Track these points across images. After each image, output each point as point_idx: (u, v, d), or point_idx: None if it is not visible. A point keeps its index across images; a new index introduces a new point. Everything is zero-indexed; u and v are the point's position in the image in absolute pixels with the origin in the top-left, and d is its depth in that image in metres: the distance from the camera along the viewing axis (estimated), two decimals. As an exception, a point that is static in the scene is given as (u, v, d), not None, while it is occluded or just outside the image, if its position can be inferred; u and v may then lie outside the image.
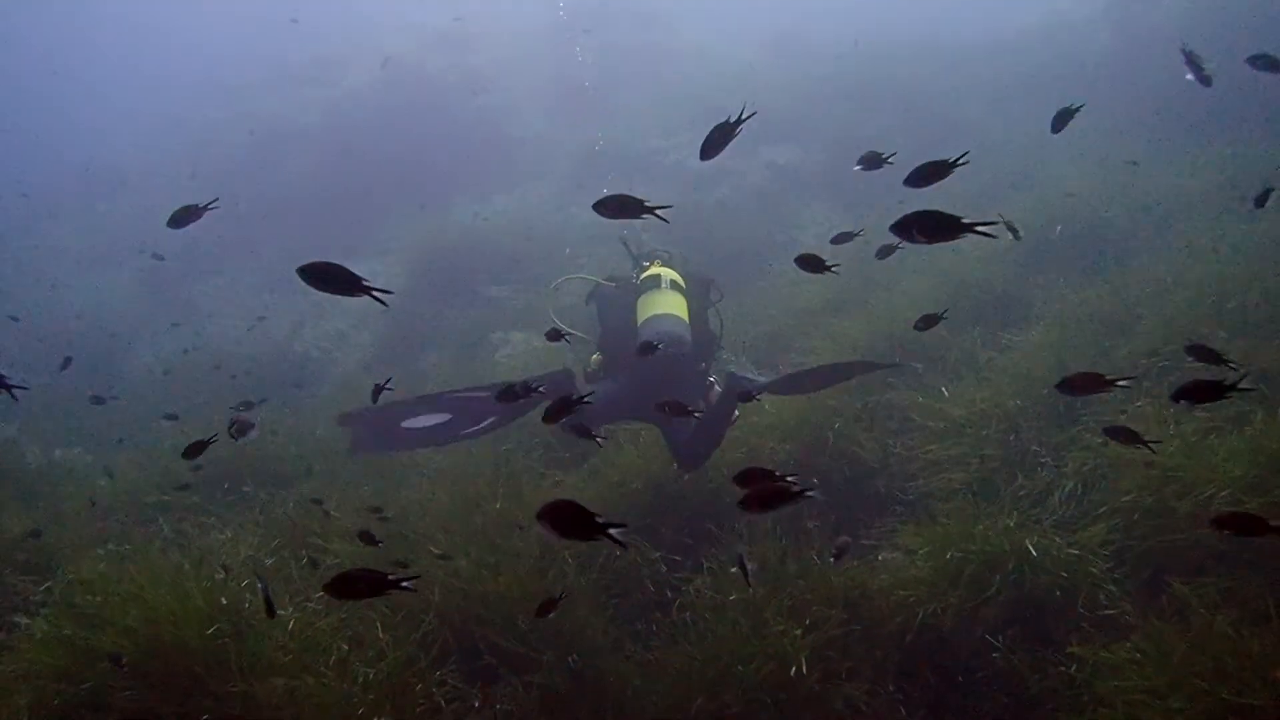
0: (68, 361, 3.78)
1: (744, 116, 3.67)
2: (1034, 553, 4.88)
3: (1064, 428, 6.24)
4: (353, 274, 2.97)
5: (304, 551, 5.60)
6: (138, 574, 4.45)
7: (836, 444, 6.92)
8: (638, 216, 3.86)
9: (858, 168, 5.50)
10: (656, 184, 16.65)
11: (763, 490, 3.60)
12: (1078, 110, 5.13)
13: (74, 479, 8.66)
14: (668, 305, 6.33)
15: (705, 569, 5.86)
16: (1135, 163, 9.76)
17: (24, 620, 4.61)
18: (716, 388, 6.63)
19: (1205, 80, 5.33)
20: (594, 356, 6.69)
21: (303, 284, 2.98)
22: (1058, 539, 5.09)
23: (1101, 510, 5.32)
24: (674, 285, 6.52)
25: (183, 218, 4.31)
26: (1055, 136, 10.06)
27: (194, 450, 4.58)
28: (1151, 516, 5.06)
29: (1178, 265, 7.74)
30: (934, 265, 9.76)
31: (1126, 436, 4.31)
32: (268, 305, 17.56)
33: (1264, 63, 5.42)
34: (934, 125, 16.24)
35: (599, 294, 7.05)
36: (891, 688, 4.84)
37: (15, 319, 14.97)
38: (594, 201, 4.00)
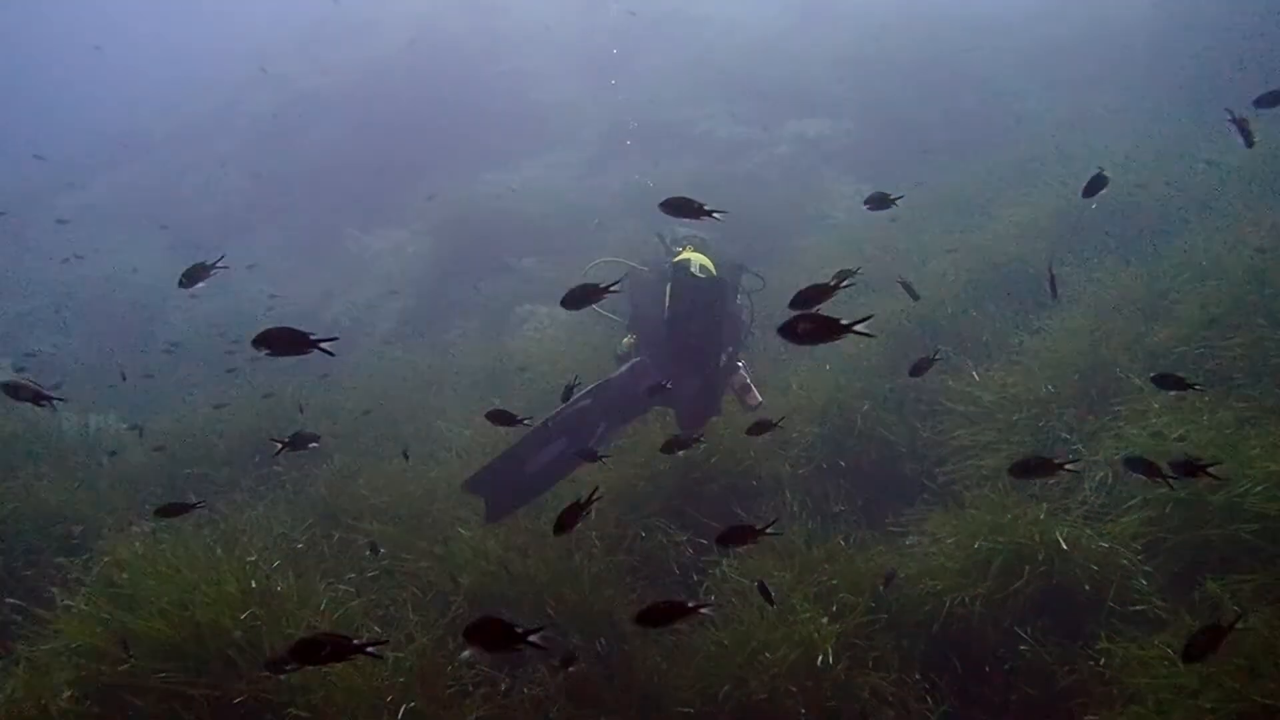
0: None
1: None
2: (1064, 545, 4.85)
3: (1096, 415, 6.17)
4: (302, 334, 3.20)
5: (336, 531, 5.66)
6: (172, 555, 4.51)
7: (864, 427, 6.90)
8: (697, 217, 4.03)
9: (866, 207, 5.58)
10: (684, 153, 16.53)
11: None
12: (1106, 183, 5.15)
13: (108, 449, 8.76)
14: (699, 259, 6.54)
15: (731, 553, 5.90)
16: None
17: (63, 598, 4.70)
18: (742, 372, 6.68)
19: (1249, 142, 5.36)
20: (626, 340, 6.74)
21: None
22: (1088, 530, 5.05)
23: (1133, 501, 5.26)
24: (703, 270, 6.56)
25: (195, 275, 4.39)
26: (1094, 111, 9.83)
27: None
28: (1184, 509, 5.00)
29: (1216, 248, 7.59)
30: (966, 242, 9.65)
31: (1148, 469, 4.30)
32: (295, 271, 17.66)
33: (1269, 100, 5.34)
34: (968, 94, 15.99)
35: (632, 278, 7.06)
36: (918, 677, 4.84)
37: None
38: (660, 201, 4.21)
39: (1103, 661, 4.49)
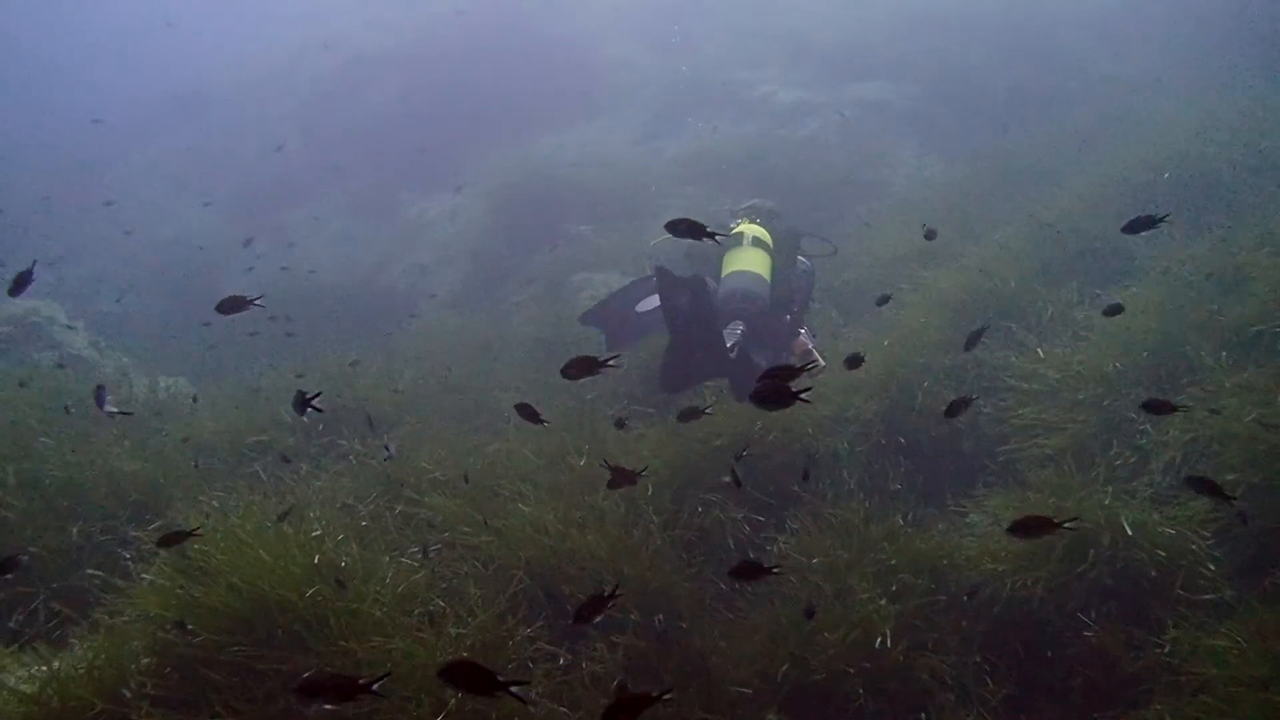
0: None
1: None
2: (1129, 531, 4.77)
3: (1167, 394, 6.02)
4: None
5: (398, 504, 5.76)
6: (240, 529, 4.63)
7: (924, 403, 6.82)
8: (699, 239, 4.11)
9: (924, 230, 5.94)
10: (742, 117, 16.35)
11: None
12: (1161, 220, 4.93)
13: (177, 414, 8.98)
14: (745, 262, 6.57)
15: (789, 529, 5.91)
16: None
17: (139, 569, 4.86)
18: (802, 336, 6.67)
19: None
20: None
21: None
22: (1155, 515, 4.96)
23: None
24: (756, 242, 6.68)
25: (231, 307, 4.49)
26: (1170, 81, 9.51)
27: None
28: (1258, 494, 4.89)
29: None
30: (1031, 212, 9.43)
31: (1210, 488, 4.24)
32: (354, 235, 17.86)
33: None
34: (1034, 58, 15.53)
35: (691, 253, 7.07)
36: (978, 659, 4.82)
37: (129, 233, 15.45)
38: (666, 222, 4.22)
39: (1169, 649, 4.43)
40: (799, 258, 7.06)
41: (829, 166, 13.58)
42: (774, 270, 6.63)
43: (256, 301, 4.49)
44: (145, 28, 30.95)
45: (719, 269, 6.83)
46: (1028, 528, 3.90)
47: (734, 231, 6.76)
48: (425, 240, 16.19)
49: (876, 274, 9.67)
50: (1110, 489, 5.24)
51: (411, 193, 17.90)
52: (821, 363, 6.72)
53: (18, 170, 22.40)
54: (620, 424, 5.83)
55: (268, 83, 23.82)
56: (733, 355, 6.35)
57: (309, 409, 4.31)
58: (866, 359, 7.02)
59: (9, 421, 7.30)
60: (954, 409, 5.50)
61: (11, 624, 4.96)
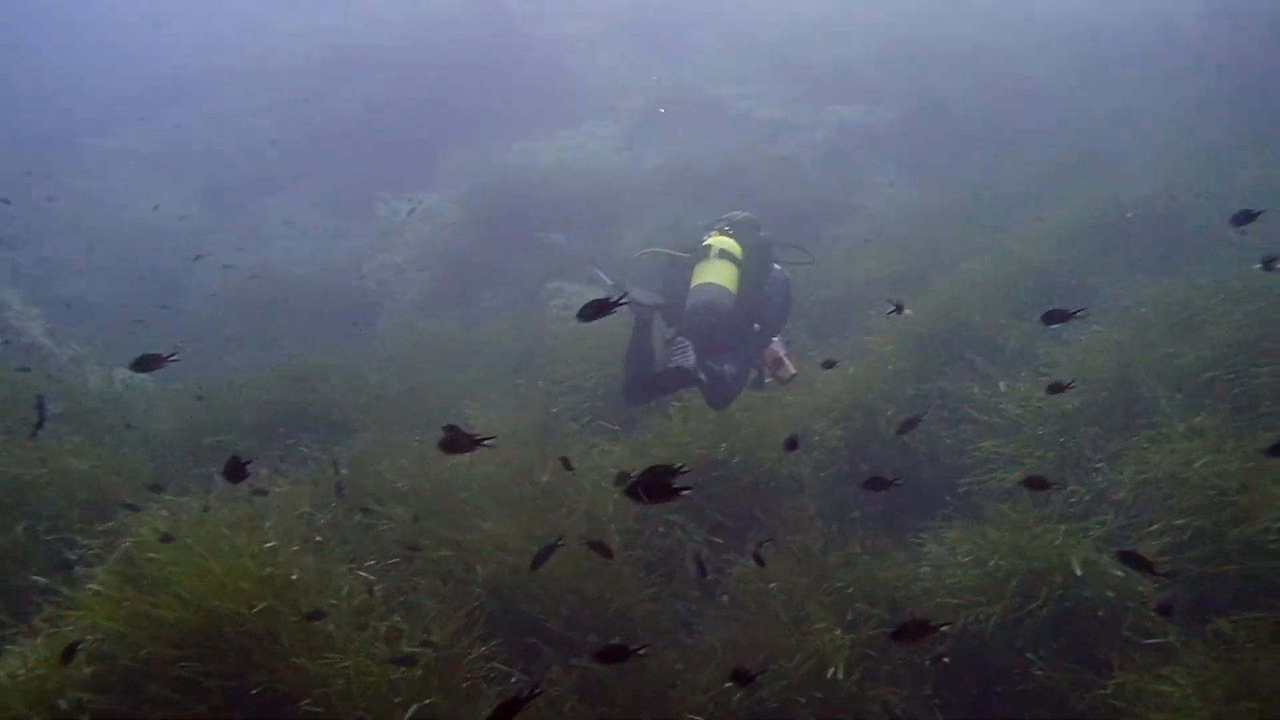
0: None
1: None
2: (1079, 572, 4.85)
3: (1123, 434, 6.15)
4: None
5: (359, 513, 5.72)
6: (192, 537, 4.57)
7: (887, 432, 6.90)
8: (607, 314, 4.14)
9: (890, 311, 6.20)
10: (722, 132, 16.42)
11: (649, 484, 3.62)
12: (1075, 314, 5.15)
13: (136, 406, 8.85)
14: (711, 275, 6.60)
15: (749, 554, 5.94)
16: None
17: (84, 575, 4.78)
18: (775, 346, 6.73)
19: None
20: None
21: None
22: (1105, 556, 5.04)
23: (1153, 528, 5.25)
24: (722, 254, 6.69)
25: (148, 364, 4.42)
26: (1138, 115, 9.70)
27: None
28: (1204, 540, 4.99)
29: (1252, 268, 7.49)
30: (999, 245, 9.57)
31: (1139, 563, 4.37)
32: (327, 231, 17.71)
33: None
34: (1010, 91, 15.75)
35: (668, 264, 7.12)
36: (929, 692, 4.88)
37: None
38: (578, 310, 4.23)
39: (1112, 691, 4.50)
40: (774, 266, 7.11)
41: (805, 186, 13.70)
42: (741, 281, 6.67)
43: (173, 358, 4.39)
44: (122, 15, 30.56)
45: (688, 283, 6.91)
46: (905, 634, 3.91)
47: (704, 244, 6.81)
48: (398, 240, 16.10)
49: (847, 297, 9.76)
50: (1063, 528, 5.31)
51: (386, 191, 17.79)
52: (793, 370, 6.77)
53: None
54: (567, 464, 5.83)
55: (246, 74, 23.56)
56: (690, 371, 6.36)
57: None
58: (832, 384, 7.13)
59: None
60: (905, 426, 5.69)
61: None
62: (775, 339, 6.81)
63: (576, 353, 9.04)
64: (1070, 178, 11.18)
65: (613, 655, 3.49)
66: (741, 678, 3.99)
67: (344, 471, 6.11)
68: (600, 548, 4.79)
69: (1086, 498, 5.80)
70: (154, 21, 25.03)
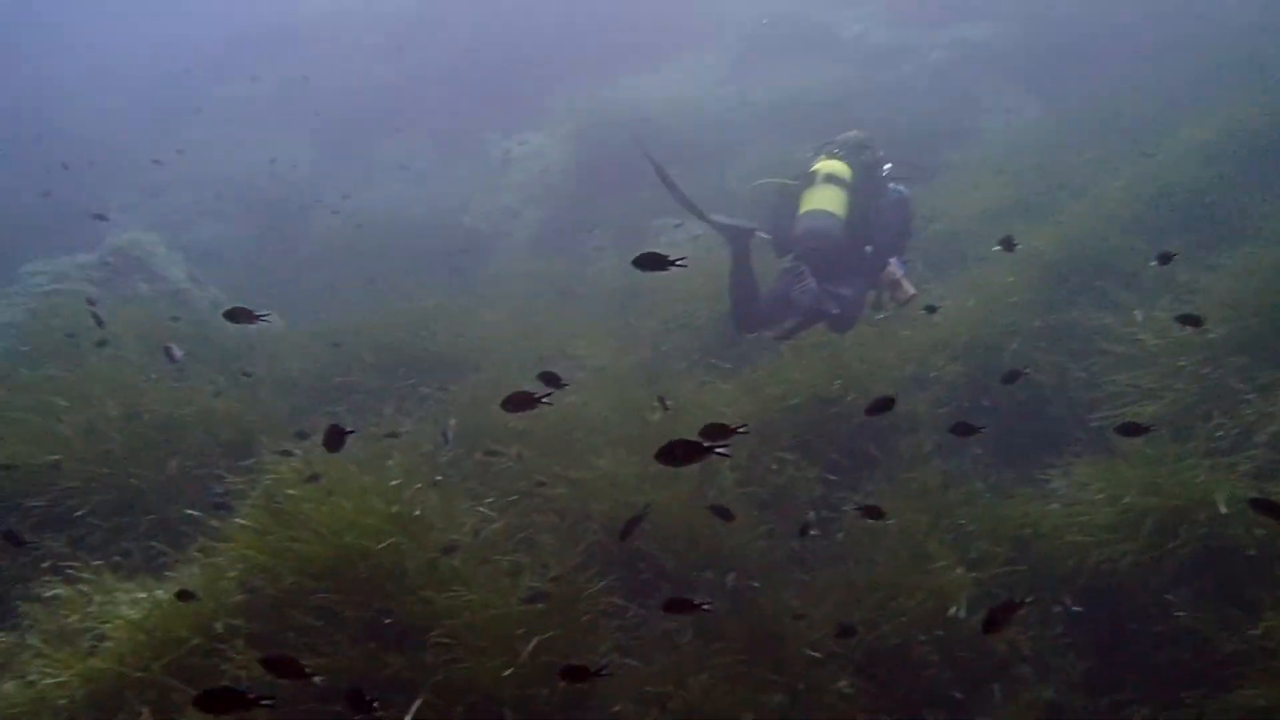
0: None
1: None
2: (1224, 509, 4.57)
3: (1276, 364, 5.73)
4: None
5: (477, 451, 5.84)
6: (324, 475, 4.75)
7: (1011, 365, 6.62)
8: (664, 269, 3.97)
9: (996, 248, 5.70)
10: (833, 59, 15.87)
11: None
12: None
13: (265, 351, 9.21)
14: (817, 201, 6.51)
15: (864, 491, 5.83)
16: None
17: (229, 510, 5.04)
18: (894, 267, 6.55)
19: None
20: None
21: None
22: (1255, 491, 4.72)
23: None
24: (829, 179, 6.56)
25: (238, 316, 4.44)
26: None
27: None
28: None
29: None
30: (1136, 165, 8.99)
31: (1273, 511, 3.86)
32: (438, 173, 17.96)
33: None
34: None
35: (779, 194, 6.98)
36: (1059, 632, 4.71)
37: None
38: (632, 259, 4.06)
39: (1262, 631, 4.25)
40: (892, 186, 6.88)
41: (922, 112, 13.11)
42: (851, 204, 6.50)
43: (263, 317, 4.46)
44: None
45: (796, 211, 6.78)
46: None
47: (811, 170, 6.68)
48: (508, 181, 16.22)
49: (967, 227, 9.36)
50: (1207, 464, 5.00)
51: (495, 131, 17.90)
52: (911, 291, 6.58)
53: (113, 101, 23.08)
54: (664, 404, 5.82)
55: (357, 15, 23.88)
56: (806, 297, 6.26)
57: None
58: (951, 318, 6.88)
59: (112, 355, 7.58)
60: (1008, 378, 5.47)
61: (117, 553, 5.19)
62: (893, 260, 6.61)
63: (686, 290, 8.97)
64: (1214, 88, 10.37)
65: (573, 675, 3.46)
66: (847, 631, 3.92)
67: (451, 422, 6.19)
68: (721, 511, 4.71)
69: (1234, 432, 5.43)
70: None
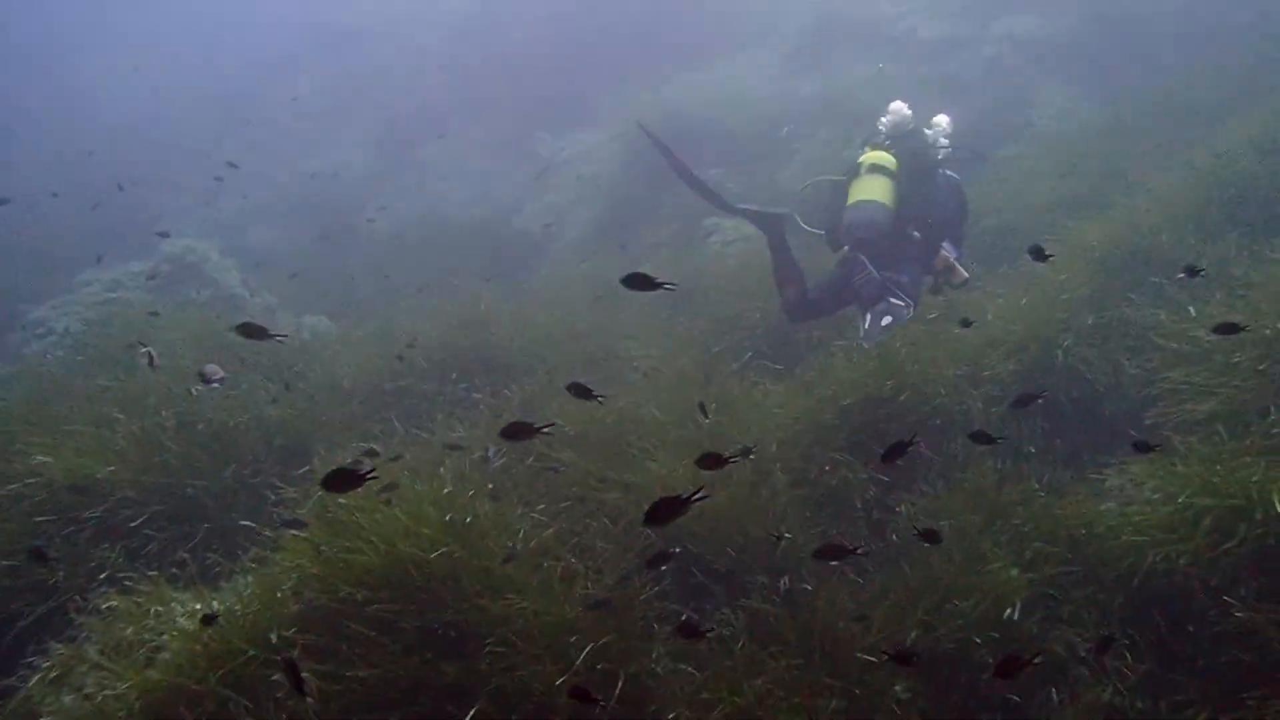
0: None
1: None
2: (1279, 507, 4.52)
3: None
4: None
5: (529, 457, 5.93)
6: (378, 483, 4.85)
7: (1065, 362, 6.59)
8: (653, 289, 4.12)
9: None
10: (881, 54, 15.75)
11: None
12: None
13: (319, 355, 9.37)
14: (863, 192, 6.68)
15: (919, 492, 5.83)
16: None
17: (285, 520, 5.17)
18: (947, 251, 6.63)
19: None
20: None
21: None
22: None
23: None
24: (873, 169, 6.72)
25: (253, 332, 4.54)
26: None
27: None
28: None
29: None
30: (1189, 159, 8.84)
31: None
32: (490, 172, 18.12)
33: None
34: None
35: (829, 190, 7.10)
36: (1116, 633, 4.69)
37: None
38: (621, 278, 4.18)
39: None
40: (943, 171, 6.91)
41: (973, 107, 12.97)
42: (898, 192, 6.63)
43: (279, 337, 4.58)
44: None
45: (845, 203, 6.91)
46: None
47: (857, 162, 6.83)
48: (559, 180, 16.33)
49: (1018, 221, 9.28)
50: (1263, 462, 4.93)
51: (547, 131, 18.02)
52: (965, 275, 6.65)
53: (168, 108, 23.58)
54: (704, 410, 5.89)
55: (412, 16, 24.12)
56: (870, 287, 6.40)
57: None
58: (1005, 315, 6.85)
59: (167, 366, 7.79)
60: (1020, 403, 5.34)
61: (173, 564, 5.34)
62: (946, 244, 6.65)
63: (736, 289, 9.01)
64: (1269, 79, 10.15)
65: (579, 695, 3.63)
66: (903, 659, 3.96)
67: (493, 449, 6.22)
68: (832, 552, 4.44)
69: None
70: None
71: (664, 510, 3.44)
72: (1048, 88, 13.54)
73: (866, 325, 6.42)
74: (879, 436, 6.12)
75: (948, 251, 6.67)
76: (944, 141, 7.06)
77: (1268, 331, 5.98)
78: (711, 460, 3.93)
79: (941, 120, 7.13)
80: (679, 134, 14.32)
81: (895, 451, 4.43)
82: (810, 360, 7.33)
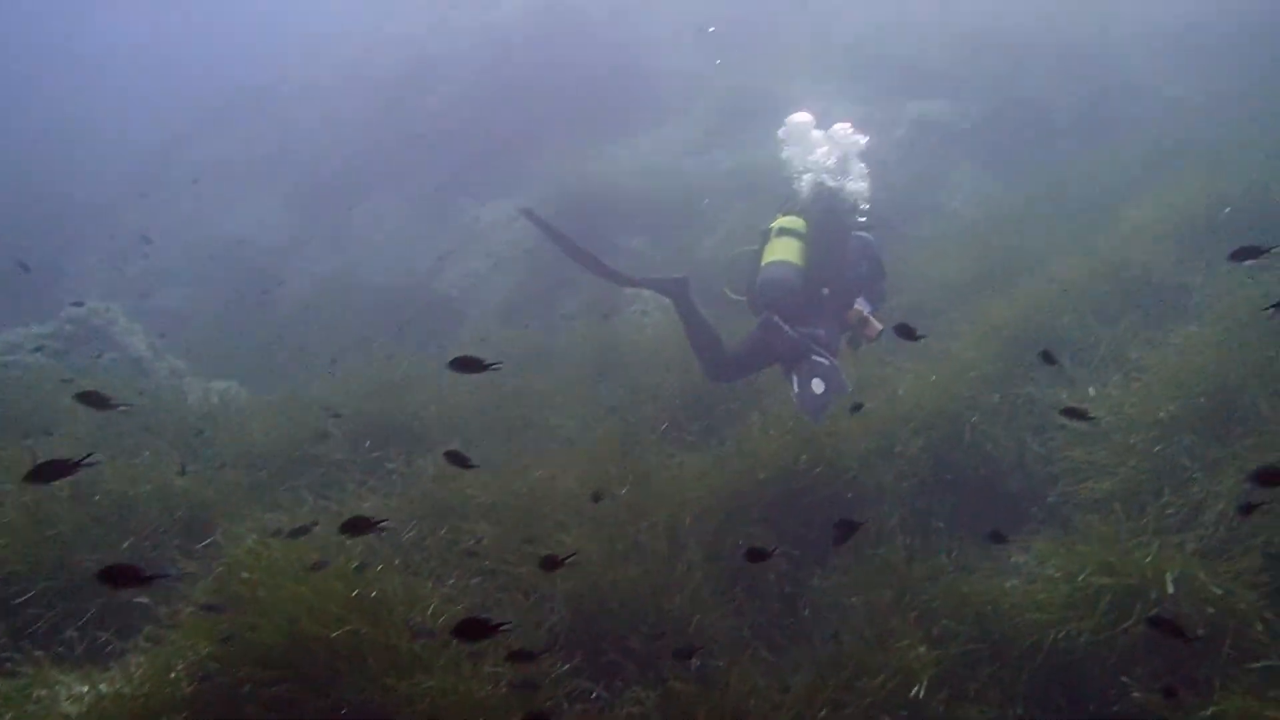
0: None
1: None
2: (1170, 589, 4.69)
3: (1222, 442, 5.90)
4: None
5: (442, 529, 5.83)
6: (283, 559, 4.72)
7: (971, 439, 6.77)
8: (480, 371, 4.21)
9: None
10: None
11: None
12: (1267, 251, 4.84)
13: (228, 423, 9.13)
14: (773, 253, 6.89)
15: (830, 565, 5.89)
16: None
17: (183, 595, 4.97)
18: (860, 305, 6.80)
19: None
20: None
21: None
22: (1202, 574, 4.84)
23: (1257, 540, 5.04)
24: (784, 231, 6.93)
25: (92, 400, 4.49)
26: (1240, 106, 9.25)
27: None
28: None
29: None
30: (1088, 242, 9.28)
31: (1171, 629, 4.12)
32: (411, 239, 18.06)
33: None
34: (1098, 80, 15.17)
35: (750, 258, 7.27)
36: (1020, 712, 4.77)
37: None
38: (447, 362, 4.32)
39: (1212, 713, 4.33)
40: (857, 234, 7.13)
41: (884, 186, 13.41)
42: (808, 253, 6.84)
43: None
44: (208, 27, 31.61)
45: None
46: None
47: (768, 228, 7.07)
48: (481, 246, 16.34)
49: (929, 298, 9.59)
50: (1157, 543, 5.12)
51: (469, 197, 18.07)
52: (879, 326, 6.79)
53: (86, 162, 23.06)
54: (597, 498, 5.91)
55: (327, 84, 24.14)
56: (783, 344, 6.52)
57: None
58: (914, 392, 7.02)
59: (63, 435, 7.49)
60: (840, 537, 4.73)
61: (59, 643, 5.07)
62: (860, 300, 6.86)
63: (655, 360, 9.09)
64: (1161, 170, 10.76)
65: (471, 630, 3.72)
66: None
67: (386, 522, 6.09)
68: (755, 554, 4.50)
69: (1184, 510, 5.58)
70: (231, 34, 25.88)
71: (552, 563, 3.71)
72: (957, 171, 14.11)
73: (796, 389, 6.47)
74: (794, 511, 6.20)
75: (861, 306, 6.85)
76: (863, 205, 7.33)
77: (1161, 414, 6.27)
78: (550, 562, 4.25)
79: (861, 189, 7.38)
80: (601, 203, 14.59)
81: (843, 533, 4.56)
82: (726, 432, 7.40)
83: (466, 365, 4.11)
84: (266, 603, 4.29)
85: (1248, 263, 5.01)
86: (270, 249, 18.71)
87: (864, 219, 7.28)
